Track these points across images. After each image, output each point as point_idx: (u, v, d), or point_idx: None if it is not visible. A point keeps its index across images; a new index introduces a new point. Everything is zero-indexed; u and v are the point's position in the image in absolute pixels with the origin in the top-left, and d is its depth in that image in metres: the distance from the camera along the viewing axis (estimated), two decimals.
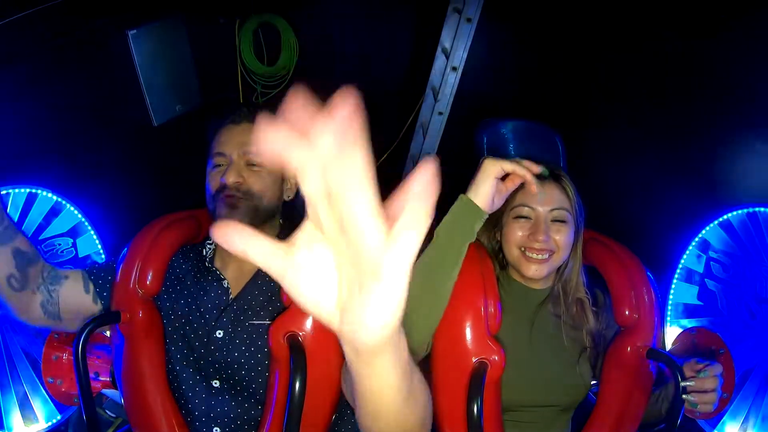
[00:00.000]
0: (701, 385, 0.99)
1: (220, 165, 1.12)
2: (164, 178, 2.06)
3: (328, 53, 2.51)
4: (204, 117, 2.14)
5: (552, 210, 1.11)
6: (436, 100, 2.02)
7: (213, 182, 1.11)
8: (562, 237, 1.11)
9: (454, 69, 1.93)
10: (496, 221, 1.19)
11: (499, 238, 1.20)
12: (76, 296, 1.06)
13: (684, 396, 1.00)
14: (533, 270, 1.12)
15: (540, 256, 1.11)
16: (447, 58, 1.95)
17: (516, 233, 1.13)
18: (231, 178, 1.07)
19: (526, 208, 1.12)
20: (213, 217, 1.11)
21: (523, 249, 1.13)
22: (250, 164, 1.11)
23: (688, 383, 1.00)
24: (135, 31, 1.71)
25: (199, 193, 1.16)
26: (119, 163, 1.78)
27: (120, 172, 1.78)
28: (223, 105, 2.43)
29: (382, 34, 2.48)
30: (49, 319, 1.04)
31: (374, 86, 2.51)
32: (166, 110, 1.97)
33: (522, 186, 1.13)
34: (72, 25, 1.43)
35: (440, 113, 2.04)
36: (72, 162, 1.54)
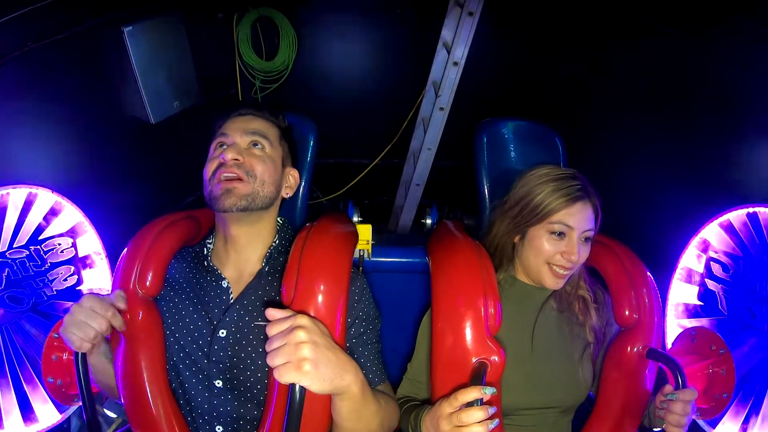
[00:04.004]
0: (670, 407, 1.01)
1: (221, 146, 1.08)
2: (164, 175, 2.04)
3: (328, 47, 2.48)
4: (203, 114, 2.13)
5: (585, 231, 1.13)
6: (437, 95, 1.98)
7: (211, 164, 1.06)
8: (586, 254, 1.14)
9: (456, 64, 1.87)
10: (516, 224, 1.18)
11: (516, 241, 1.20)
12: None
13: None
14: (555, 282, 1.14)
15: (566, 272, 1.13)
16: (448, 52, 1.90)
17: (547, 247, 1.13)
18: (230, 155, 1.04)
19: (564, 227, 1.12)
20: (207, 203, 1.06)
21: (549, 262, 1.14)
22: (253, 145, 1.08)
23: (667, 398, 1.02)
24: (131, 27, 1.68)
25: (200, 191, 1.11)
26: (118, 161, 1.77)
27: (119, 170, 1.77)
28: (222, 101, 2.40)
29: (382, 28, 2.44)
30: None
31: (374, 80, 2.51)
32: (164, 107, 1.94)
33: (563, 204, 1.11)
34: (66, 22, 1.41)
35: (441, 109, 1.98)
36: (72, 161, 1.53)
